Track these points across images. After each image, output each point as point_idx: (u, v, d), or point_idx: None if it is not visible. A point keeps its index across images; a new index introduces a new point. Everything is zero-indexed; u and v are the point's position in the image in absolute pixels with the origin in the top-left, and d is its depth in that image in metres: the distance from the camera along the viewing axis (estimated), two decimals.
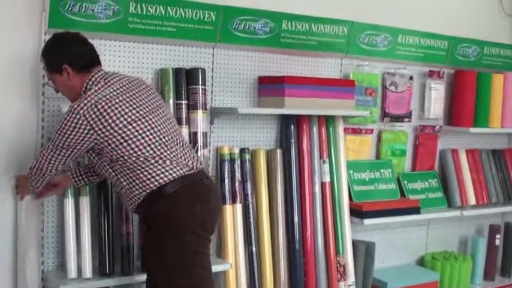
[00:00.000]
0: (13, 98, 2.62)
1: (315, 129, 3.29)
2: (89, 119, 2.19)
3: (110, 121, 2.21)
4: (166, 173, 2.25)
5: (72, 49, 2.31)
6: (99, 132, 2.21)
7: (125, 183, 2.28)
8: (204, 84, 2.92)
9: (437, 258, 3.90)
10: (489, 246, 4.10)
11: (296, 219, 3.18)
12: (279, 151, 3.18)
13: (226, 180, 3.01)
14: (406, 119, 3.73)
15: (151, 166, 2.24)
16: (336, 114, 3.32)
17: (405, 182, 3.74)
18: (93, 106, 2.20)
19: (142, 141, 2.24)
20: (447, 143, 4.00)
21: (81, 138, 2.21)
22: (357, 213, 3.38)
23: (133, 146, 2.23)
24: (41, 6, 2.58)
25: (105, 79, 2.30)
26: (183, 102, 2.88)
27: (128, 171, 2.25)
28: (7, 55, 2.58)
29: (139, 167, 2.24)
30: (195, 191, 2.31)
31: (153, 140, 2.26)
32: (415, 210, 3.57)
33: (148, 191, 2.25)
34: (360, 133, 3.56)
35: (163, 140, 2.29)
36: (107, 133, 2.22)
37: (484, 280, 4.08)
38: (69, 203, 2.63)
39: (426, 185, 3.83)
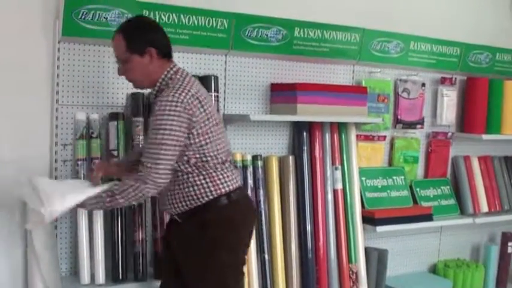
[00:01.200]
0: (27, 105, 2.62)
1: (327, 136, 3.27)
2: (190, 106, 2.14)
3: (206, 117, 2.19)
4: (233, 180, 2.28)
5: (158, 35, 2.26)
6: (197, 123, 2.16)
7: (193, 184, 2.22)
8: (216, 91, 2.91)
9: (450, 265, 3.86)
10: (502, 254, 4.05)
11: (308, 227, 3.16)
12: (291, 158, 3.16)
13: None
14: (419, 126, 3.70)
15: (225, 171, 2.26)
16: (349, 121, 3.31)
17: (418, 189, 3.71)
18: (194, 96, 2.17)
19: (220, 146, 2.26)
20: (459, 149, 3.96)
21: (182, 128, 2.12)
22: (370, 220, 3.35)
23: (215, 148, 2.23)
24: (54, 15, 2.58)
25: (188, 75, 2.27)
26: None
27: (204, 173, 2.22)
28: (21, 63, 2.58)
29: (216, 170, 2.24)
30: (247, 201, 2.39)
31: (225, 147, 2.30)
32: (428, 218, 3.54)
33: (215, 195, 2.24)
34: (372, 140, 3.54)
35: (228, 148, 2.34)
36: (203, 125, 2.18)
37: None
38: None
39: (438, 192, 3.79)
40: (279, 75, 3.16)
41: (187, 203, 2.24)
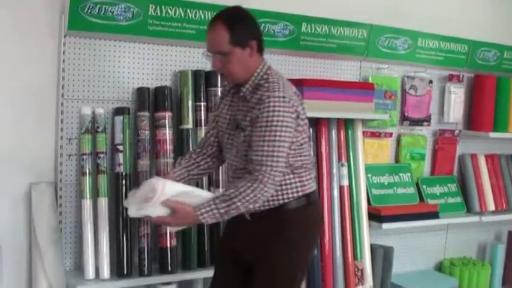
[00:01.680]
0: (33, 99, 2.61)
1: (334, 132, 3.24)
2: (297, 103, 2.11)
3: (304, 116, 2.17)
4: (313, 183, 2.27)
5: (259, 29, 2.18)
6: (299, 119, 2.12)
7: (283, 183, 2.16)
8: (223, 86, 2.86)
9: (456, 264, 3.83)
10: (508, 253, 4.02)
11: None
12: None
13: None
14: (426, 123, 3.68)
15: (310, 172, 2.25)
16: (355, 117, 3.27)
17: (424, 187, 3.68)
18: (296, 94, 2.15)
19: (308, 147, 2.24)
20: (466, 147, 3.93)
21: (292, 125, 2.06)
22: (375, 217, 3.33)
23: (306, 149, 2.21)
24: (60, 9, 2.57)
25: (277, 71, 2.22)
26: (202, 104, 2.85)
27: (296, 172, 2.19)
28: (27, 57, 2.57)
29: (305, 170, 2.21)
30: (320, 204, 2.42)
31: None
32: (434, 215, 3.51)
33: (300, 195, 2.21)
34: (379, 137, 3.51)
35: None
36: (302, 123, 2.14)
37: (503, 286, 4.00)
38: (87, 203, 2.62)
39: (445, 189, 3.76)
40: (285, 70, 3.10)
41: (270, 202, 2.17)
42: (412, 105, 3.62)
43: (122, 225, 2.66)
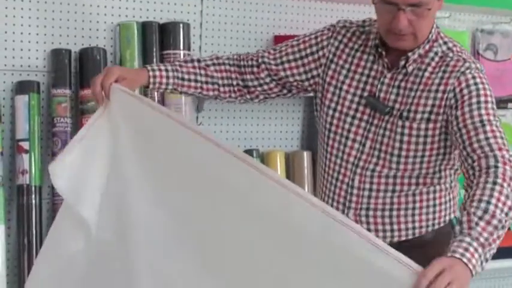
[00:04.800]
0: None
1: None
2: None
3: None
4: None
5: None
6: None
7: (440, 198, 2.26)
8: (187, 47, 2.89)
9: None
10: None
11: None
12: (305, 154, 3.11)
13: None
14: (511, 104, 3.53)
15: None
16: None
17: None
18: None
19: None
20: None
21: None
22: None
23: None
24: None
25: None
26: None
27: (453, 183, 2.32)
28: None
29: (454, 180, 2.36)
30: None
31: None
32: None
33: (451, 217, 2.34)
34: None
35: None
36: None
37: None
38: None
39: None
40: (284, 22, 3.08)
41: (419, 225, 2.25)
42: (490, 76, 3.41)
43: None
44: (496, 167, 1.96)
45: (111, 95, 2.06)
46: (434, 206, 2.22)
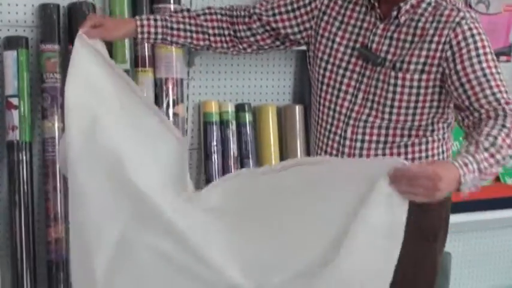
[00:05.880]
0: None
1: None
2: None
3: None
4: None
5: None
6: None
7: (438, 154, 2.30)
8: (177, 1, 2.87)
9: None
10: None
11: None
12: (298, 108, 3.10)
13: (215, 156, 2.94)
14: (504, 57, 3.53)
15: None
16: None
17: None
18: None
19: None
20: None
21: None
22: None
23: None
24: None
25: None
26: None
27: (447, 137, 2.34)
28: None
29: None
30: None
31: None
32: None
33: None
34: None
35: None
36: None
37: None
38: None
39: None
40: None
41: None
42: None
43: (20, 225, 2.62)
44: (505, 116, 2.01)
45: (76, 41, 2.06)
46: (427, 157, 2.22)
